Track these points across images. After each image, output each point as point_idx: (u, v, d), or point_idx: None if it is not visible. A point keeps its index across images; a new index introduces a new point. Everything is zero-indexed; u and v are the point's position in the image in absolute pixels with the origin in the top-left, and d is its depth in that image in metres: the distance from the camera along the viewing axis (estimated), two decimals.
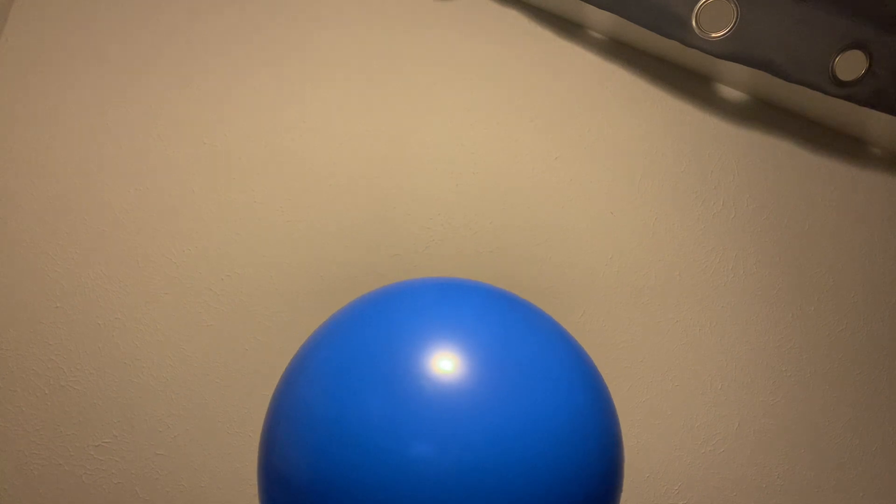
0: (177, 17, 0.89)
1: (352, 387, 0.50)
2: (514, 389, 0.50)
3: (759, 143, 0.97)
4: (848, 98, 0.87)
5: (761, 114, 0.97)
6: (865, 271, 0.96)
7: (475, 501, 0.46)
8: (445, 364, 0.50)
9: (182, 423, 0.81)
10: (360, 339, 0.54)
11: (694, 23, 0.86)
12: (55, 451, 0.79)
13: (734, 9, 0.85)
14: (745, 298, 0.93)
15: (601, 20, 0.94)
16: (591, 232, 0.91)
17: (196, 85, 0.88)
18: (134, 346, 0.82)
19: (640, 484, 0.87)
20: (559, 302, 0.89)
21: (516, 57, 0.93)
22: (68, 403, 0.80)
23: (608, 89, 0.95)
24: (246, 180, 0.86)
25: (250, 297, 0.84)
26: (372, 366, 0.51)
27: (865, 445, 0.92)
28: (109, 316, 0.82)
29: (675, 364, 0.90)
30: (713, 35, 0.86)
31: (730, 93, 0.97)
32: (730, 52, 0.86)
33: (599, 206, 0.92)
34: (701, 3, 0.85)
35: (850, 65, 0.86)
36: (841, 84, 0.87)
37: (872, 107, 0.88)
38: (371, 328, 0.55)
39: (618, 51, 0.95)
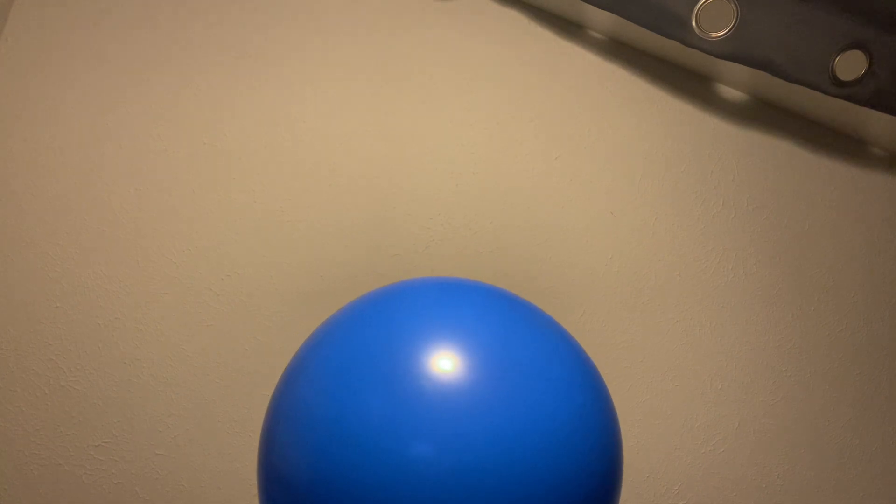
0: (177, 17, 0.89)
1: (351, 387, 0.50)
2: (514, 389, 0.50)
3: (759, 143, 0.97)
4: (848, 98, 0.87)
5: (761, 114, 0.97)
6: (865, 271, 0.96)
7: (475, 501, 0.47)
8: (445, 364, 0.50)
9: (182, 423, 0.81)
10: (359, 339, 0.54)
11: (694, 23, 0.86)
12: (55, 451, 0.79)
13: (734, 9, 0.85)
14: (745, 298, 0.93)
15: (601, 20, 0.94)
16: (591, 232, 0.91)
17: (196, 85, 0.88)
18: (134, 346, 0.82)
19: (640, 484, 0.87)
20: (559, 302, 0.89)
21: (516, 57, 0.93)
22: (68, 403, 0.80)
23: (608, 89, 0.94)
24: (246, 180, 0.86)
25: (250, 297, 0.84)
26: (372, 366, 0.51)
27: (865, 445, 0.92)
28: (109, 316, 0.82)
29: (675, 364, 0.90)
30: (713, 35, 0.86)
31: (730, 93, 0.97)
32: (730, 52, 0.86)
33: (599, 206, 0.92)
34: (701, 3, 0.85)
35: (850, 65, 0.86)
36: (841, 84, 0.87)
37: (872, 107, 0.88)
38: (371, 328, 0.55)
39: (618, 51, 0.95)
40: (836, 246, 0.96)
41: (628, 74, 0.95)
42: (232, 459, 0.81)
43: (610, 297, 0.90)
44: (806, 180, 0.97)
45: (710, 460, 0.89)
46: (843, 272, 0.96)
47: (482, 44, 0.93)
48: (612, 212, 0.92)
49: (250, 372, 0.83)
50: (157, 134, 0.86)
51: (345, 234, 0.87)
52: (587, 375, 0.56)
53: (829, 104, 0.94)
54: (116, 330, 0.82)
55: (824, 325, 0.94)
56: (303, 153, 0.88)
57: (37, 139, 0.84)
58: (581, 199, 0.92)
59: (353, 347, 0.53)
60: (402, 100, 0.91)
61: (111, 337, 0.81)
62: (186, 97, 0.87)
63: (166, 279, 0.83)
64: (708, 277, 0.93)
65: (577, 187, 0.92)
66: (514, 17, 0.94)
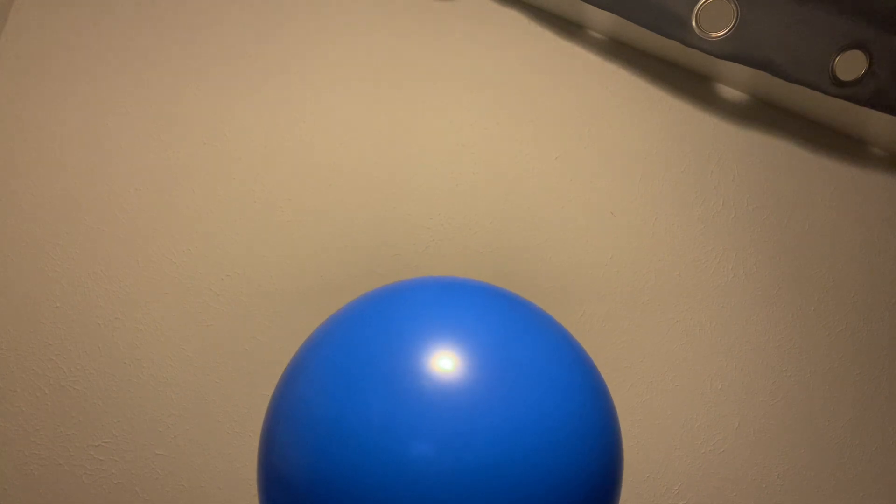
0: (177, 16, 0.89)
1: (351, 386, 0.50)
2: (514, 389, 0.50)
3: (759, 143, 0.97)
4: (848, 98, 0.87)
5: (761, 114, 0.97)
6: (865, 271, 0.96)
7: (475, 501, 0.46)
8: (445, 363, 0.50)
9: (182, 423, 0.81)
10: (359, 339, 0.54)
11: (694, 23, 0.86)
12: (55, 451, 0.79)
13: (734, 9, 0.85)
14: (745, 298, 0.93)
15: (601, 20, 0.94)
16: (591, 232, 0.91)
17: (196, 85, 0.88)
18: (134, 346, 0.82)
19: (640, 484, 0.87)
20: (559, 302, 0.89)
21: (516, 57, 0.93)
22: (68, 403, 0.80)
23: (608, 89, 0.94)
24: (246, 180, 0.86)
25: (250, 297, 0.84)
26: (372, 365, 0.51)
27: (865, 445, 0.92)
28: (109, 316, 0.82)
29: (675, 364, 0.90)
30: (713, 35, 0.86)
31: (730, 93, 0.97)
32: (730, 52, 0.86)
33: (599, 206, 0.92)
34: (701, 3, 0.85)
35: (850, 65, 0.86)
36: (841, 84, 0.87)
37: (872, 107, 0.88)
38: (371, 327, 0.55)
39: (618, 51, 0.95)
40: (836, 246, 0.96)
41: (628, 74, 0.95)
42: (232, 459, 0.81)
43: (610, 297, 0.90)
44: (806, 180, 0.97)
45: (710, 460, 0.89)
46: (843, 272, 0.96)
47: (482, 44, 0.93)
48: (612, 212, 0.92)
49: (250, 372, 0.83)
50: (157, 134, 0.86)
51: (345, 234, 0.87)
52: (587, 375, 0.56)
53: (829, 104, 0.94)
54: (116, 330, 0.82)
55: (824, 325, 0.94)
56: (303, 153, 0.88)
57: (36, 139, 0.84)
58: (581, 199, 0.92)
59: (352, 347, 0.53)
60: (402, 100, 0.91)
61: (111, 337, 0.81)
62: (186, 97, 0.87)
63: (166, 279, 0.83)
64: (708, 277, 0.93)
65: (577, 187, 0.92)
66: (514, 17, 0.94)
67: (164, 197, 0.85)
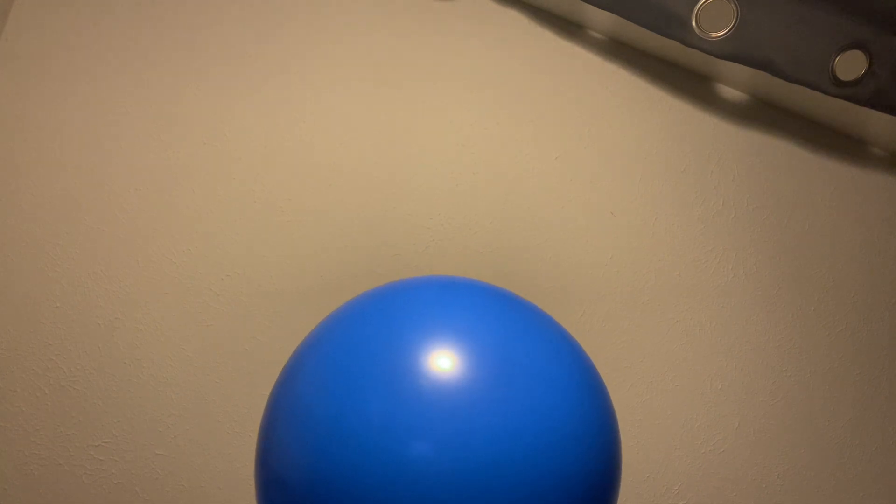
0: (177, 16, 0.89)
1: (350, 385, 0.50)
2: (513, 388, 0.50)
3: (759, 143, 0.96)
4: (848, 98, 0.87)
5: (761, 114, 0.97)
6: (865, 271, 0.96)
7: (474, 500, 0.47)
8: (444, 363, 0.50)
9: (182, 423, 0.81)
10: (358, 338, 0.54)
11: (694, 23, 0.86)
12: (55, 451, 0.79)
13: (734, 9, 0.85)
14: (745, 298, 0.93)
15: (601, 20, 0.94)
16: (591, 232, 0.91)
17: (196, 85, 0.88)
18: (134, 346, 0.82)
19: (640, 484, 0.87)
20: (559, 302, 0.89)
21: (516, 57, 0.93)
22: (68, 403, 0.80)
23: (608, 89, 0.94)
24: (246, 180, 0.86)
25: (250, 297, 0.84)
26: (371, 364, 0.51)
27: (865, 445, 0.92)
28: (109, 316, 0.82)
29: (675, 364, 0.90)
30: (713, 35, 0.86)
31: (730, 93, 0.97)
32: (730, 52, 0.86)
33: (599, 205, 0.92)
34: (701, 3, 0.85)
35: (850, 65, 0.86)
36: (841, 84, 0.87)
37: (872, 107, 0.88)
38: (370, 326, 0.55)
39: (618, 51, 0.95)
40: (836, 246, 0.96)
41: (628, 74, 0.95)
42: (232, 459, 0.81)
43: (610, 297, 0.90)
44: (806, 180, 0.97)
45: (710, 460, 0.89)
46: (843, 272, 0.96)
47: (482, 44, 0.93)
48: (612, 212, 0.92)
49: (250, 372, 0.83)
50: (157, 134, 0.86)
51: (345, 234, 0.87)
52: (586, 374, 0.56)
53: (829, 104, 0.94)
54: (116, 330, 0.82)
55: (824, 325, 0.94)
56: (303, 153, 0.88)
57: (37, 139, 0.84)
58: (581, 199, 0.92)
59: (352, 346, 0.53)
60: (403, 100, 0.91)
61: (111, 337, 0.81)
62: (186, 97, 0.87)
63: (166, 279, 0.83)
64: (708, 277, 0.93)
65: (577, 187, 0.92)
66: (514, 17, 0.94)
67: (164, 197, 0.85)
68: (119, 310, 0.82)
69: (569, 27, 0.95)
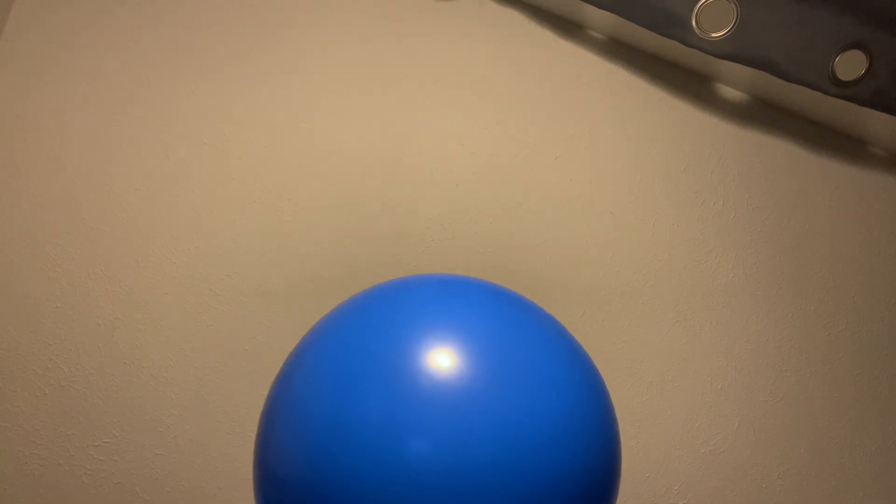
0: (177, 17, 0.89)
1: (349, 383, 0.50)
2: (512, 386, 0.50)
3: (759, 143, 0.97)
4: (848, 98, 0.87)
5: (761, 114, 0.97)
6: (865, 271, 0.96)
7: (473, 499, 0.47)
8: (443, 361, 0.50)
9: (182, 423, 0.81)
10: (357, 336, 0.54)
11: (694, 23, 0.86)
12: (55, 451, 0.79)
13: (734, 9, 0.85)
14: (745, 298, 0.93)
15: (601, 20, 0.94)
16: (591, 232, 0.91)
17: (196, 85, 0.88)
18: (134, 346, 0.82)
19: (639, 484, 0.87)
20: (559, 301, 0.89)
21: (516, 57, 0.93)
22: (68, 403, 0.80)
23: (608, 89, 0.94)
24: (246, 180, 0.86)
25: (250, 297, 0.84)
26: (369, 362, 0.51)
27: (865, 445, 0.92)
28: (109, 316, 0.82)
29: (675, 364, 0.90)
30: (713, 35, 0.86)
31: (730, 93, 0.97)
32: (730, 52, 0.86)
33: (599, 205, 0.92)
34: (701, 3, 0.85)
35: (850, 65, 0.86)
36: (841, 84, 0.87)
37: (872, 107, 0.87)
38: (369, 324, 0.55)
39: (618, 51, 0.95)
40: (836, 246, 0.96)
41: (628, 74, 0.95)
42: (232, 459, 0.81)
43: (610, 297, 0.90)
44: (806, 180, 0.97)
45: (710, 460, 0.89)
46: (843, 272, 0.96)
47: (482, 44, 0.93)
48: (612, 212, 0.92)
49: (250, 372, 0.83)
50: (158, 134, 0.86)
51: (345, 235, 0.87)
52: (585, 373, 0.56)
53: (829, 104, 0.94)
54: (116, 330, 0.82)
55: (824, 325, 0.94)
56: (303, 153, 0.88)
57: (37, 139, 0.84)
58: (581, 199, 0.92)
59: (350, 344, 0.53)
60: (403, 100, 0.91)
61: (111, 337, 0.81)
62: (187, 97, 0.87)
63: (166, 279, 0.83)
64: (708, 277, 0.93)
65: (577, 187, 0.92)
66: (514, 17, 0.94)
67: (164, 197, 0.85)
68: (119, 310, 0.82)
69: (569, 27, 0.95)
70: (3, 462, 0.78)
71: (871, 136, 0.98)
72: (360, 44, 0.91)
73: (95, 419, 0.80)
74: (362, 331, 0.54)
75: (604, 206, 0.92)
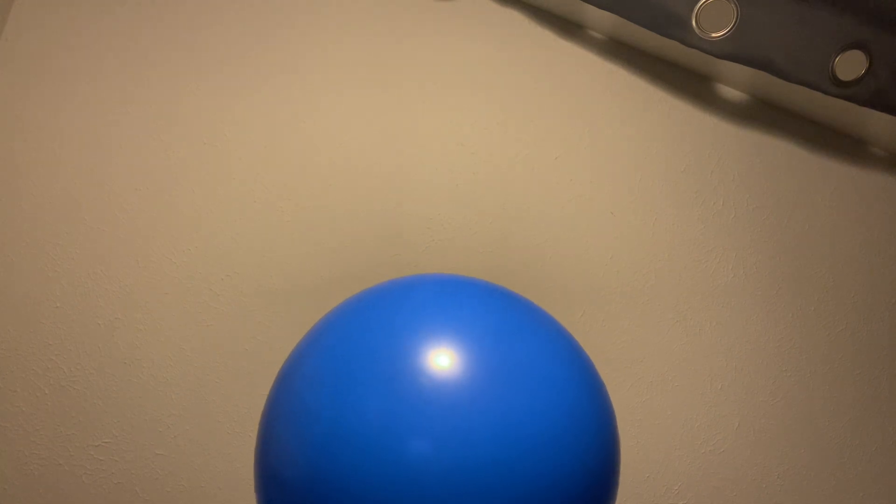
0: (177, 16, 0.89)
1: (349, 383, 0.50)
2: (512, 386, 0.50)
3: (759, 143, 0.96)
4: (848, 98, 0.87)
5: (761, 114, 0.97)
6: (865, 271, 0.96)
7: (472, 498, 0.47)
8: (443, 361, 0.50)
9: (182, 423, 0.81)
10: (357, 336, 0.54)
11: (694, 23, 0.86)
12: (55, 451, 0.79)
13: (734, 9, 0.85)
14: (745, 298, 0.93)
15: (601, 20, 0.94)
16: (591, 232, 0.91)
17: (196, 85, 0.88)
18: (134, 346, 0.82)
19: (639, 484, 0.87)
20: (559, 301, 0.89)
21: (516, 57, 0.93)
22: (68, 403, 0.80)
23: (608, 89, 0.95)
24: (246, 180, 0.86)
25: (250, 297, 0.84)
26: (369, 362, 0.51)
27: (865, 445, 0.92)
28: (109, 316, 0.82)
29: (675, 364, 0.90)
30: (713, 35, 0.86)
31: (730, 93, 0.97)
32: (730, 52, 0.86)
33: (599, 205, 0.92)
34: (701, 3, 0.85)
35: (850, 65, 0.86)
36: (841, 84, 0.87)
37: (872, 107, 0.87)
38: (368, 324, 0.55)
39: (618, 51, 0.95)
40: (836, 246, 0.96)
41: (628, 74, 0.95)
42: (232, 459, 0.81)
43: (610, 297, 0.90)
44: (806, 180, 0.97)
45: (710, 460, 0.89)
46: (843, 272, 0.96)
47: (482, 44, 0.93)
48: (612, 212, 0.92)
49: (250, 372, 0.83)
50: (158, 134, 0.86)
51: (345, 235, 0.87)
52: (584, 372, 0.56)
53: (829, 104, 0.94)
54: (116, 330, 0.82)
55: (824, 325, 0.94)
56: (303, 153, 0.88)
57: (37, 139, 0.84)
58: (581, 199, 0.92)
59: (350, 344, 0.53)
60: (403, 100, 0.91)
61: (111, 337, 0.81)
62: (187, 97, 0.87)
63: (166, 279, 0.83)
64: (708, 277, 0.93)
65: (577, 187, 0.92)
66: (514, 17, 0.94)
67: (164, 197, 0.85)
68: (119, 310, 0.82)
69: (569, 27, 0.95)
70: (3, 462, 0.78)
71: (871, 136, 0.98)
72: (359, 44, 0.91)
73: (95, 419, 0.80)
74: (362, 331, 0.54)
75: (604, 206, 0.92)
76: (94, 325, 0.81)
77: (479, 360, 0.51)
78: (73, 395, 0.80)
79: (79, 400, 0.80)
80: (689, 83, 0.96)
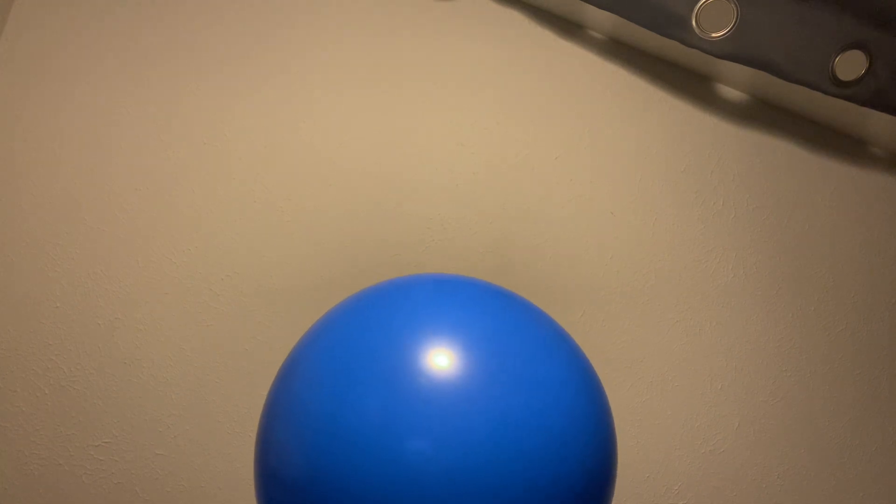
0: (177, 16, 0.89)
1: (348, 383, 0.50)
2: (510, 386, 0.50)
3: (759, 143, 0.96)
4: (848, 98, 0.87)
5: (761, 114, 0.97)
6: (865, 271, 0.96)
7: (471, 498, 0.47)
8: (442, 361, 0.50)
9: (182, 423, 0.81)
10: (356, 335, 0.54)
11: (694, 23, 0.86)
12: (55, 451, 0.79)
13: (734, 9, 0.85)
14: (745, 298, 0.93)
15: (601, 20, 0.94)
16: (591, 232, 0.91)
17: (196, 85, 0.88)
18: (134, 346, 0.82)
19: (639, 484, 0.87)
20: (559, 301, 0.89)
21: (516, 57, 0.93)
22: (68, 403, 0.80)
23: (608, 89, 0.94)
24: (246, 180, 0.86)
25: (250, 297, 0.84)
26: (368, 362, 0.51)
27: (865, 445, 0.92)
28: (109, 316, 0.82)
29: (675, 364, 0.90)
30: (713, 35, 0.86)
31: (730, 93, 0.97)
32: (730, 52, 0.86)
33: (599, 205, 0.92)
34: (701, 3, 0.85)
35: (850, 65, 0.86)
36: (841, 84, 0.87)
37: (872, 107, 0.87)
38: (367, 324, 0.55)
39: (618, 51, 0.95)
40: (836, 246, 0.96)
41: (628, 74, 0.95)
42: (232, 459, 0.81)
43: (610, 297, 0.90)
44: (806, 180, 0.97)
45: (710, 460, 0.89)
46: (843, 272, 0.96)
47: (482, 44, 0.93)
48: (612, 212, 0.92)
49: (250, 372, 0.83)
50: (158, 134, 0.86)
51: (345, 234, 0.87)
52: (582, 372, 0.56)
53: (829, 104, 0.94)
54: (116, 330, 0.82)
55: (824, 325, 0.94)
56: (303, 153, 0.88)
57: (37, 139, 0.84)
58: (581, 199, 0.92)
59: (349, 343, 0.53)
60: (402, 100, 0.91)
61: (111, 337, 0.82)
62: (187, 97, 0.87)
63: (166, 279, 0.83)
64: (708, 277, 0.93)
65: (577, 187, 0.92)
66: (514, 17, 0.94)
67: (164, 197, 0.85)
68: (119, 310, 0.82)
69: (569, 27, 0.95)
70: (3, 462, 0.78)
71: (871, 136, 0.98)
72: (359, 44, 0.91)
73: (95, 419, 0.80)
74: (362, 330, 0.54)
75: (604, 206, 0.92)
76: (94, 325, 0.81)
77: (477, 360, 0.51)
78: (73, 395, 0.80)
79: (79, 400, 0.80)
80: (689, 83, 0.96)
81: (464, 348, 0.51)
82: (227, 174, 0.86)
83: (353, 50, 0.91)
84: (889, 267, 0.97)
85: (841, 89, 0.87)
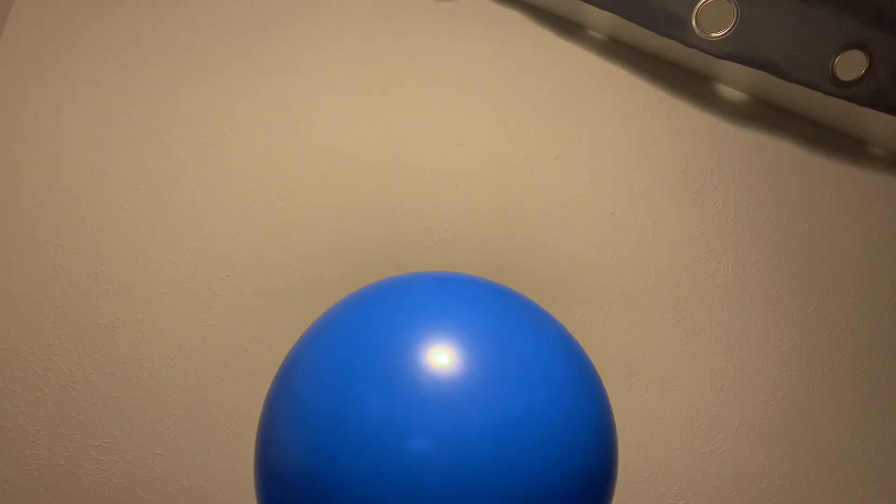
0: (177, 16, 0.89)
1: (348, 381, 0.50)
2: (511, 384, 0.50)
3: (759, 143, 0.97)
4: (848, 98, 0.87)
5: (761, 114, 0.97)
6: (865, 271, 0.96)
7: (471, 496, 0.47)
8: (442, 358, 0.50)
9: (182, 423, 0.81)
10: (356, 333, 0.54)
11: (694, 23, 0.86)
12: (55, 451, 0.79)
13: (734, 9, 0.85)
14: (745, 298, 0.93)
15: (601, 20, 0.94)
16: (591, 232, 0.91)
17: (196, 85, 0.88)
18: (134, 346, 0.82)
19: (639, 484, 0.87)
20: (559, 301, 0.89)
21: (516, 57, 0.93)
22: (68, 403, 0.80)
23: (608, 89, 0.95)
24: (246, 180, 0.86)
25: (250, 297, 0.84)
26: (369, 360, 0.51)
27: (865, 445, 0.92)
28: (109, 316, 0.82)
29: (675, 364, 0.90)
30: (713, 35, 0.86)
31: (730, 93, 0.97)
32: (730, 52, 0.86)
33: (599, 205, 0.92)
34: (701, 3, 0.85)
35: (850, 65, 0.86)
36: (841, 84, 0.87)
37: (872, 107, 0.87)
38: (368, 322, 0.55)
39: (618, 51, 0.96)
40: (836, 246, 0.96)
41: (628, 74, 0.95)
42: (232, 459, 0.81)
43: (610, 297, 0.90)
44: (806, 180, 0.97)
45: (710, 460, 0.89)
46: (843, 272, 0.96)
47: (482, 44, 0.93)
48: (612, 212, 0.92)
49: (250, 372, 0.83)
50: (158, 134, 0.86)
51: (345, 235, 0.87)
52: (583, 371, 0.56)
53: (829, 104, 0.94)
54: (116, 330, 0.82)
55: (824, 325, 0.94)
56: (303, 153, 0.88)
57: (37, 139, 0.84)
58: (581, 199, 0.92)
59: (349, 341, 0.53)
60: (403, 100, 0.91)
61: (111, 337, 0.81)
62: (187, 97, 0.87)
63: (166, 279, 0.83)
64: (708, 277, 0.93)
65: (577, 187, 0.92)
66: (514, 17, 0.94)
67: (164, 197, 0.85)
68: (119, 310, 0.82)
69: (569, 27, 0.95)
70: (3, 462, 0.78)
71: (871, 136, 0.98)
72: (360, 44, 0.91)
73: (95, 419, 0.80)
74: (362, 328, 0.54)
75: (604, 206, 0.92)
76: (94, 325, 0.81)
77: (478, 358, 0.51)
78: (73, 395, 0.80)
79: (79, 400, 0.80)
80: (689, 83, 0.96)
81: (465, 346, 0.51)
82: (227, 174, 0.86)
83: (354, 50, 0.91)
84: (889, 267, 0.97)
85: (841, 89, 0.87)
